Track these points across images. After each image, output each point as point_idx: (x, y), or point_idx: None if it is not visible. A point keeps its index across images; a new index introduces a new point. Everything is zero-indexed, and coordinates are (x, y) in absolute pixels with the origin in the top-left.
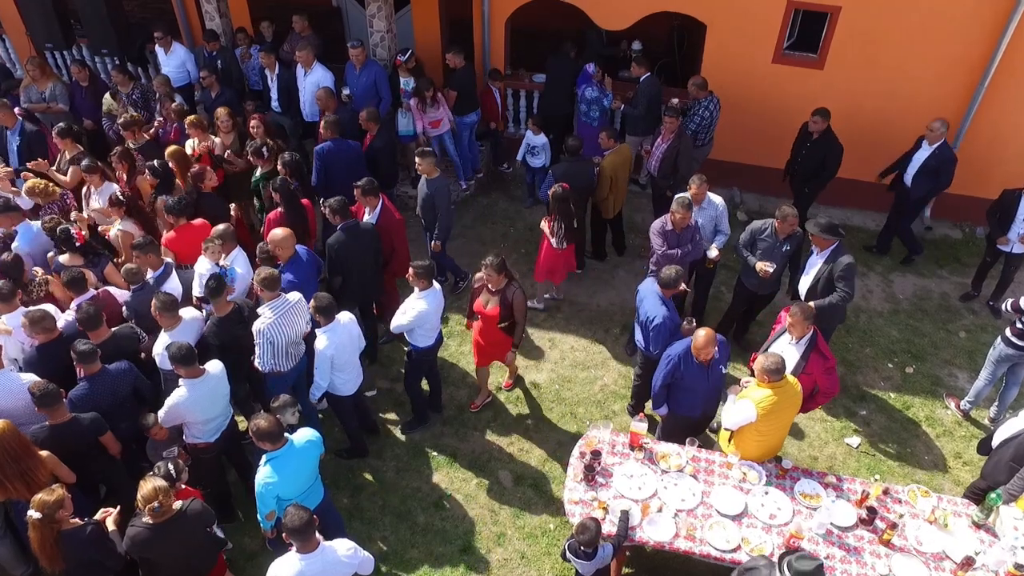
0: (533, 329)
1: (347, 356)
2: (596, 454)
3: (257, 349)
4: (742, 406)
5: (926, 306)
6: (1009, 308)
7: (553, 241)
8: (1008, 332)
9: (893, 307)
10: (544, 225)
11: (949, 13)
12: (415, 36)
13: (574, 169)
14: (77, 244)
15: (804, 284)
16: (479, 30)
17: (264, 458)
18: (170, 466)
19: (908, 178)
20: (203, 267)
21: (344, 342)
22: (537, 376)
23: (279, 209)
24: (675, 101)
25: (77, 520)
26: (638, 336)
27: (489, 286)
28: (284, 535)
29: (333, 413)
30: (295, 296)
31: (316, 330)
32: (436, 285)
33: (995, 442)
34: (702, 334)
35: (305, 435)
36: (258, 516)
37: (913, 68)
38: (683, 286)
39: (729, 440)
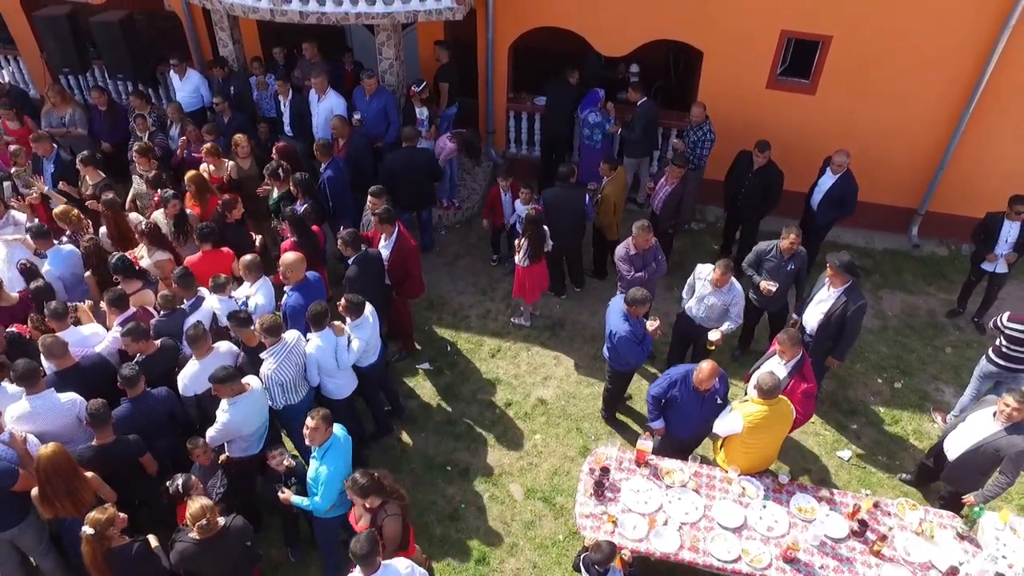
0: (539, 347)
1: (330, 365)
2: (605, 470)
3: (268, 392)
4: (731, 417)
5: (914, 323)
6: (991, 327)
7: (516, 257)
8: (991, 351)
9: (882, 324)
10: (517, 243)
11: (937, 41)
12: (420, 57)
13: (564, 195)
14: (136, 269)
15: (813, 317)
16: (483, 55)
17: (317, 455)
18: (179, 483)
19: (814, 204)
20: (215, 305)
21: (327, 352)
22: (544, 392)
23: (292, 239)
24: (676, 141)
25: (125, 537)
26: (604, 351)
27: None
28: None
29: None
30: (292, 336)
31: (308, 333)
32: (366, 311)
33: (948, 448)
34: (706, 366)
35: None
36: (319, 511)
37: (902, 93)
38: (652, 326)
39: (720, 447)
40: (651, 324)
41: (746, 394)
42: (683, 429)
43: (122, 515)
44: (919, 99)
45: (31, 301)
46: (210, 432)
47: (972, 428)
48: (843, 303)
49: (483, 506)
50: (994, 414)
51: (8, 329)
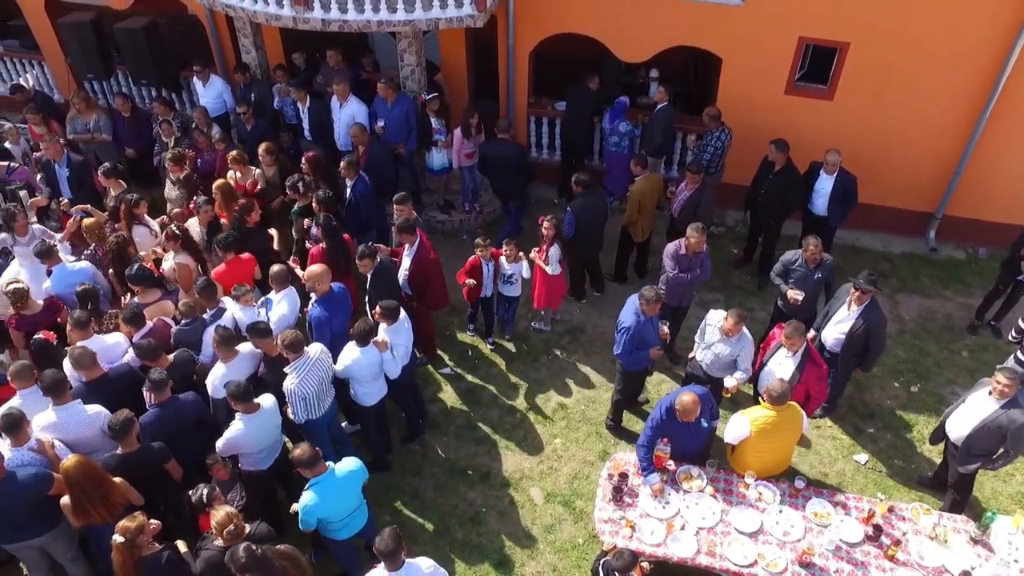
0: (559, 352)
1: (366, 374)
2: (624, 476)
3: (290, 406)
4: (738, 422)
5: (930, 326)
6: (1014, 333)
7: (549, 268)
8: (1020, 353)
9: (899, 327)
10: (535, 255)
11: (952, 46)
12: (441, 60)
13: (591, 202)
14: (155, 278)
15: (832, 335)
16: (504, 61)
17: (308, 484)
18: (203, 491)
19: (818, 208)
20: (237, 314)
21: (363, 365)
22: (564, 397)
23: (322, 245)
24: (693, 139)
25: (155, 545)
26: (615, 349)
27: None
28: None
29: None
30: (315, 350)
31: (349, 344)
32: (401, 316)
33: (951, 429)
34: (687, 399)
35: (348, 465)
36: (299, 527)
37: (919, 98)
38: (665, 330)
39: (731, 452)
40: (663, 328)
41: (755, 396)
42: (678, 456)
43: (154, 523)
44: (936, 103)
45: (60, 307)
46: (218, 442)
47: (971, 408)
48: (863, 322)
49: (504, 510)
50: (989, 392)
51: (35, 336)
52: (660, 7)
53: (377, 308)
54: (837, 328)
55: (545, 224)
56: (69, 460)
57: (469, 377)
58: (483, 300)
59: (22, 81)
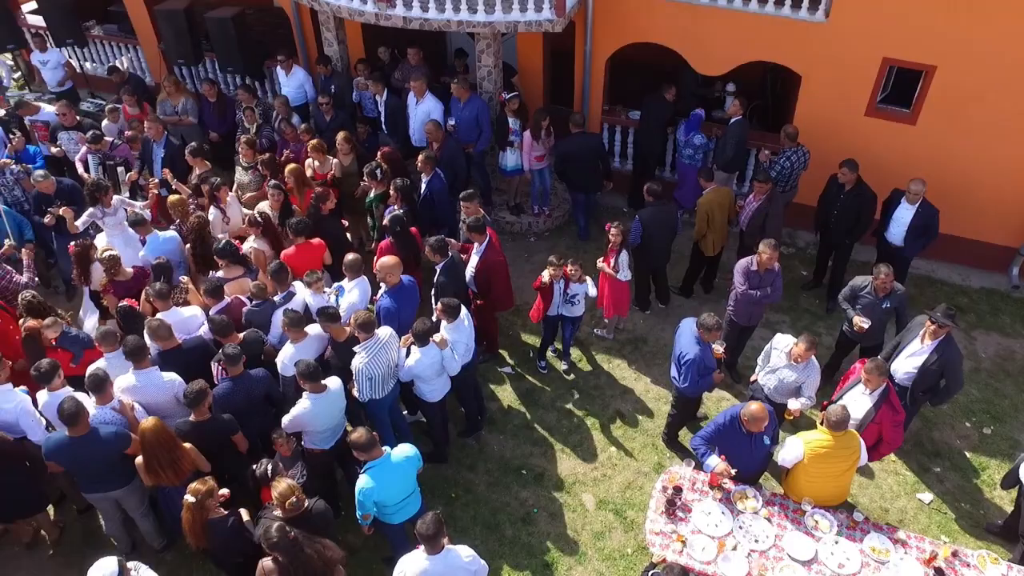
0: (620, 360)
1: (429, 372)
2: (678, 490)
3: (356, 384)
4: (793, 444)
5: (1008, 367)
6: None
7: (620, 275)
8: None
9: (974, 365)
10: (602, 263)
11: None
12: (518, 64)
13: (659, 214)
14: (238, 255)
15: (903, 368)
16: (580, 67)
17: (364, 467)
18: (268, 467)
19: (895, 238)
20: (308, 299)
21: (428, 364)
22: (622, 406)
23: (389, 240)
24: (766, 153)
25: (222, 510)
26: (672, 371)
27: None
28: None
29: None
30: (386, 332)
31: (412, 346)
32: (462, 314)
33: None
34: (755, 407)
35: (404, 451)
36: (356, 514)
37: (1006, 127)
38: (721, 349)
39: (785, 477)
40: (717, 347)
41: (820, 423)
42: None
43: (223, 491)
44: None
45: (144, 277)
46: (285, 419)
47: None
48: (938, 357)
49: (555, 512)
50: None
51: (121, 303)
52: (740, 21)
53: (439, 305)
54: (909, 361)
55: (612, 230)
56: (147, 422)
57: (529, 378)
58: (547, 320)
59: (118, 63)
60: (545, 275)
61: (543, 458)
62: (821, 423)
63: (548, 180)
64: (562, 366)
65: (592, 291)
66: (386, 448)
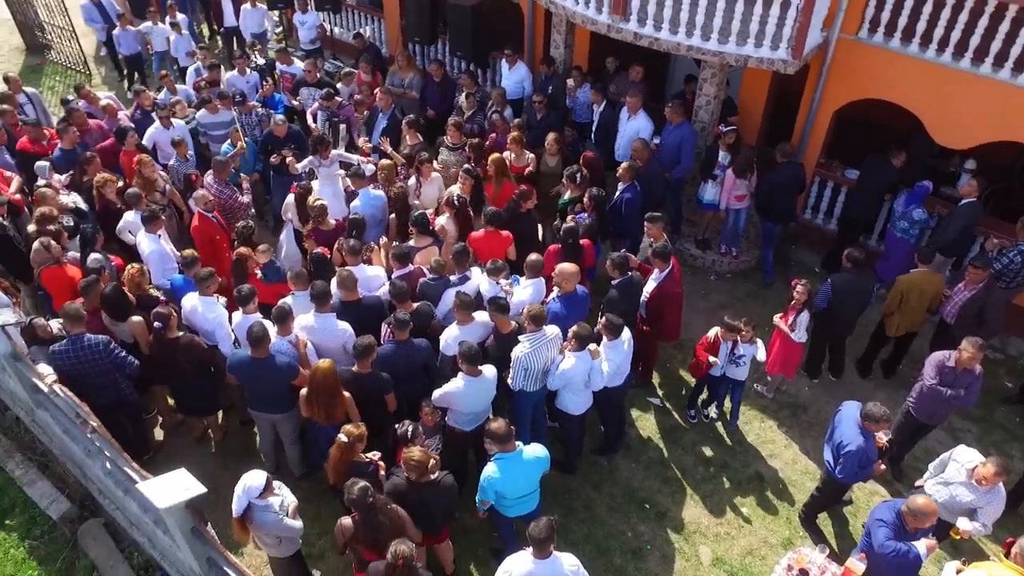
0: (773, 423)
1: (578, 380)
2: (804, 573)
3: (512, 371)
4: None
5: None
6: None
7: (795, 335)
8: None
9: None
10: (779, 320)
11: None
12: (740, 98)
13: (854, 282)
14: (429, 227)
15: None
16: (804, 113)
17: (494, 457)
18: (410, 428)
19: None
20: (483, 285)
21: (581, 371)
22: (764, 469)
23: (558, 246)
24: (995, 242)
25: (364, 456)
26: (827, 455)
27: None
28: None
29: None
30: (552, 331)
31: (567, 352)
32: (624, 334)
33: None
34: (921, 500)
35: (535, 451)
36: (476, 498)
37: None
38: (885, 440)
39: None
40: (882, 436)
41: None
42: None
43: (373, 453)
44: None
45: (342, 230)
46: (436, 392)
47: None
48: None
49: (668, 555)
50: None
51: (316, 251)
52: (999, 94)
53: (603, 319)
54: None
55: (799, 288)
56: (323, 363)
57: (675, 415)
58: (710, 378)
59: (362, 31)
60: (711, 333)
61: (669, 498)
62: (1008, 556)
63: (743, 222)
64: (712, 412)
65: (761, 355)
66: (519, 444)
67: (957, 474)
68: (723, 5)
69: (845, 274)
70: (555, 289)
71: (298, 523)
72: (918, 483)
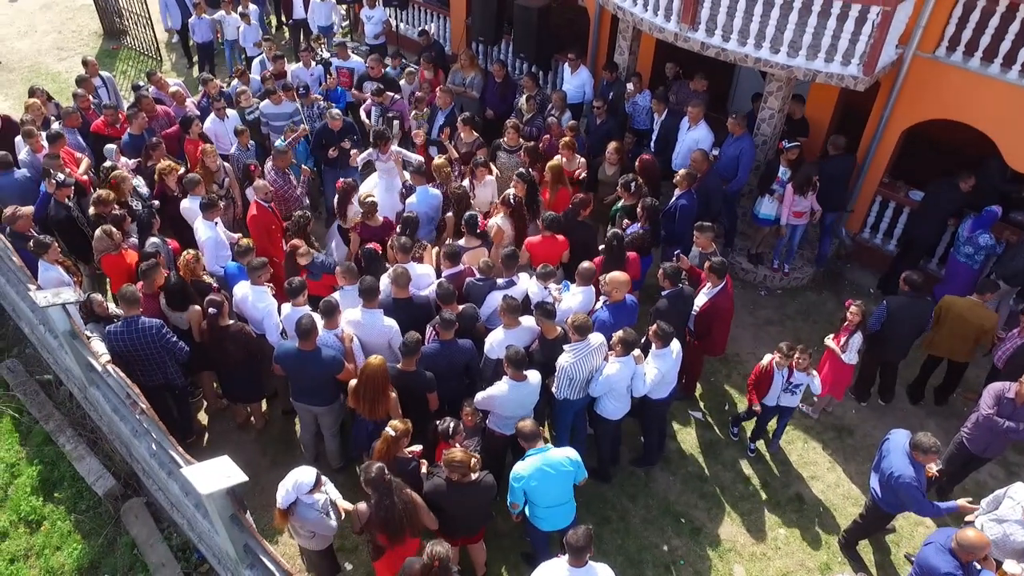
0: (817, 444)
1: (622, 386)
2: None
3: (556, 381)
4: None
5: None
6: None
7: (846, 356)
8: None
9: None
10: (831, 342)
11: None
12: (806, 114)
13: (911, 306)
14: (478, 230)
15: None
16: (871, 131)
17: (524, 454)
18: (451, 424)
19: None
20: (532, 289)
21: (625, 377)
22: (805, 491)
23: (602, 257)
24: None
25: (407, 452)
26: (873, 482)
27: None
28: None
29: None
30: (597, 340)
31: (611, 357)
32: (673, 344)
33: None
34: (972, 533)
35: (565, 451)
36: (507, 500)
37: None
38: (935, 469)
39: None
40: (932, 467)
41: None
42: None
43: (415, 447)
44: None
45: (393, 227)
46: (480, 394)
47: None
48: None
49: (701, 571)
50: None
51: (367, 246)
52: None
53: (654, 326)
54: None
55: (853, 308)
56: (375, 358)
57: (716, 430)
58: (763, 407)
59: (426, 28)
60: (765, 359)
61: (706, 514)
62: None
63: (798, 239)
64: (760, 446)
65: (816, 388)
66: (549, 444)
67: (1012, 512)
68: (795, 18)
69: (902, 297)
70: (602, 298)
71: (334, 522)
72: (969, 517)
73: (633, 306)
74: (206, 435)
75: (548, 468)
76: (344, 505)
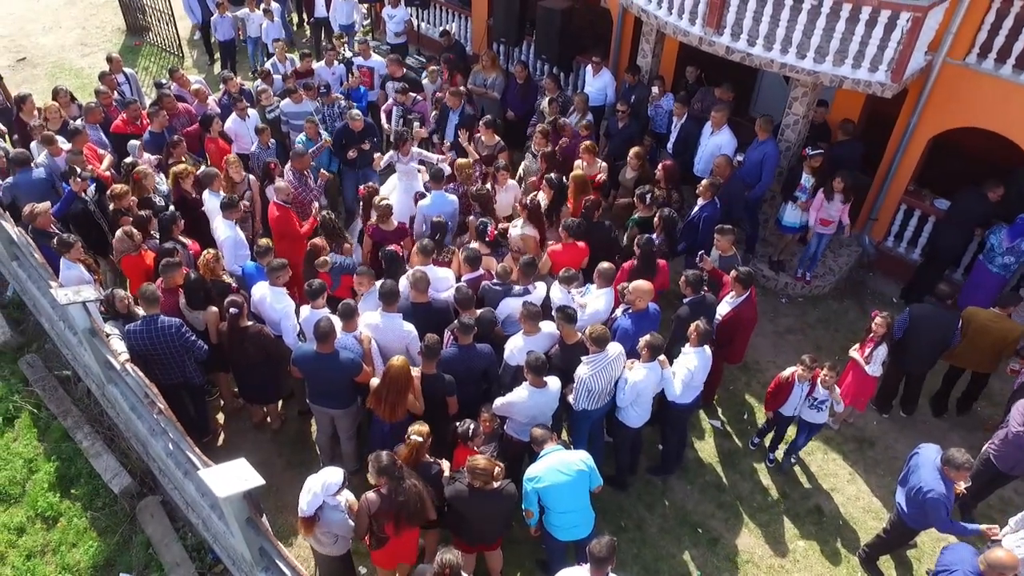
0: (837, 456)
1: (648, 393)
2: None
3: (574, 392)
4: None
5: None
6: None
7: (871, 368)
8: None
9: None
10: (856, 353)
11: None
12: (829, 119)
13: (936, 316)
14: (488, 240)
15: None
16: (897, 138)
17: (538, 455)
18: (470, 426)
19: None
20: (556, 293)
21: (652, 383)
22: (825, 503)
23: (634, 261)
24: None
25: (429, 457)
26: (899, 497)
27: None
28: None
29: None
30: (615, 350)
31: (636, 362)
32: (706, 350)
33: None
34: (1002, 553)
35: (579, 453)
36: (522, 507)
37: None
38: (963, 487)
39: None
40: (960, 485)
41: None
42: None
43: (443, 463)
44: None
45: (407, 231)
46: (498, 400)
47: None
48: None
49: None
50: None
51: (388, 248)
52: None
53: (695, 326)
54: None
55: (878, 320)
56: (399, 359)
57: (735, 439)
58: (779, 416)
59: (447, 27)
60: (787, 372)
61: (723, 524)
62: None
63: (823, 248)
64: (779, 454)
65: (840, 407)
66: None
67: None
68: (823, 23)
69: (926, 306)
70: (621, 305)
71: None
72: (994, 535)
73: (655, 315)
74: (222, 434)
75: (561, 469)
76: (351, 501)
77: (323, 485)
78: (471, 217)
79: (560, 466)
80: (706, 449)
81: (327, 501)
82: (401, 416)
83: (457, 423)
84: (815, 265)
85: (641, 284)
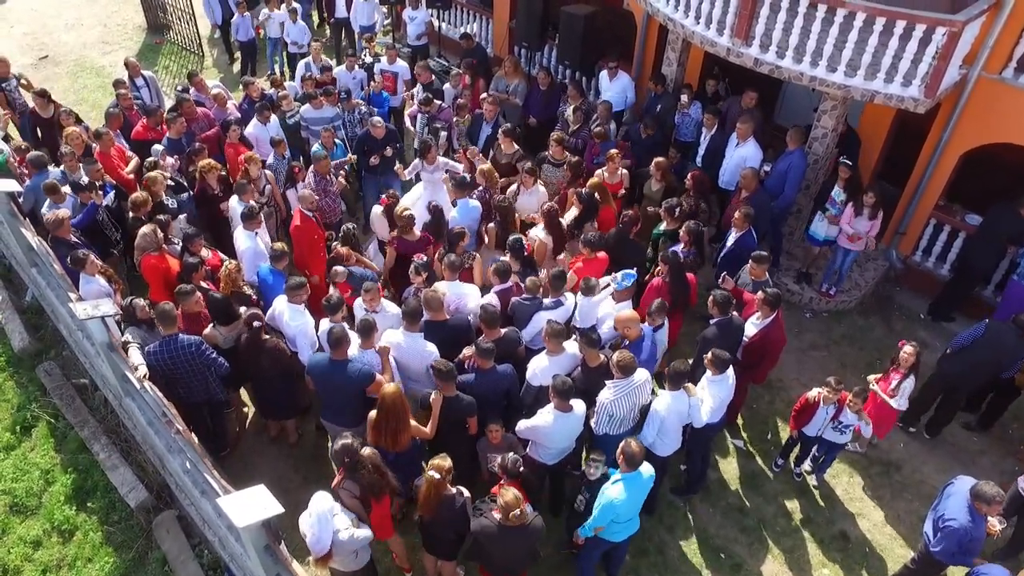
0: (863, 479)
1: (674, 421)
2: None
3: (596, 416)
4: None
5: None
6: None
7: (896, 402)
8: None
9: None
10: (877, 385)
11: None
12: (859, 129)
13: (1007, 339)
14: (524, 255)
15: None
16: (928, 152)
17: (614, 479)
18: (509, 459)
19: None
20: (579, 298)
21: (677, 412)
22: (850, 529)
23: (663, 279)
24: None
25: (451, 488)
26: (927, 526)
27: None
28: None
29: None
30: (641, 377)
31: (661, 390)
32: (729, 371)
33: None
34: None
35: (649, 469)
36: (585, 525)
37: None
38: (999, 528)
39: None
40: (994, 523)
41: None
42: None
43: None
44: None
45: (431, 241)
46: (521, 424)
47: None
48: None
49: None
50: None
51: (422, 261)
52: None
53: (709, 355)
54: None
55: (908, 349)
56: (390, 387)
57: (758, 460)
58: (803, 435)
59: (468, 29)
60: (813, 393)
61: (747, 549)
62: None
63: (849, 263)
64: (806, 467)
65: (868, 432)
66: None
67: None
68: (855, 36)
69: (1007, 326)
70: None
71: (366, 531)
72: None
73: (652, 348)
74: (239, 448)
75: (639, 486)
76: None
77: (320, 519)
78: (491, 224)
79: (638, 485)
80: (729, 470)
81: (332, 528)
82: (405, 444)
83: (499, 457)
84: (843, 281)
85: (624, 314)
